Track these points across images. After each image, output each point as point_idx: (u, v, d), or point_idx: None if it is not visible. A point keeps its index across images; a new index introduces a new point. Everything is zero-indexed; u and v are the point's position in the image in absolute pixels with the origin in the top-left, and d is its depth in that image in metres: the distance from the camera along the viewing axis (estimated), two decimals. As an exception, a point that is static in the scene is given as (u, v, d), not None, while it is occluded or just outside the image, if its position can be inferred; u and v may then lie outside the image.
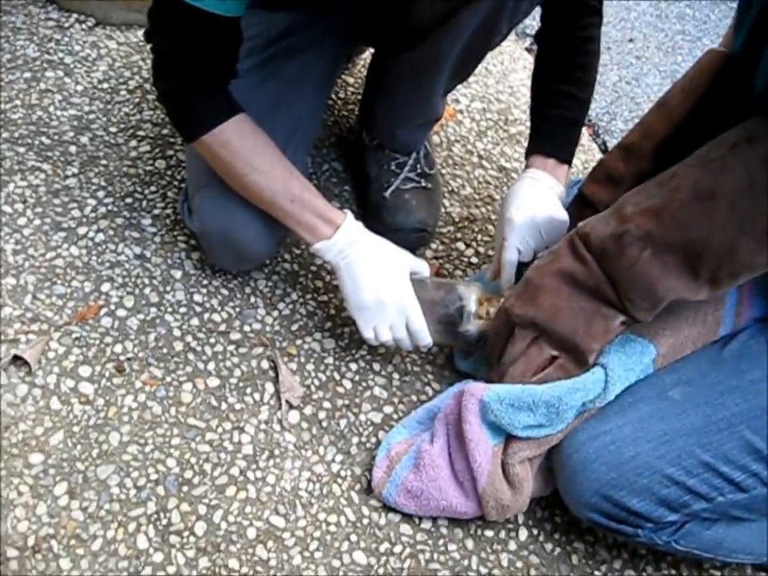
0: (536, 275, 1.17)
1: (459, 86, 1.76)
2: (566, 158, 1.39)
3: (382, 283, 1.23)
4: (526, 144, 1.43)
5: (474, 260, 1.59)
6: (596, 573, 1.23)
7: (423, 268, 1.29)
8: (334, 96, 1.81)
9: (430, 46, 1.31)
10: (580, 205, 1.35)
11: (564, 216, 1.32)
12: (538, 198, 1.32)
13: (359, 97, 1.76)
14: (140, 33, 1.83)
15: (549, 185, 1.35)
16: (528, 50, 2.18)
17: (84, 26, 1.83)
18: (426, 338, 1.26)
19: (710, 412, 1.11)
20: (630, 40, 2.35)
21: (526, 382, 1.17)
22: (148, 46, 1.21)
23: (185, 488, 1.18)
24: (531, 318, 1.15)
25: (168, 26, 1.15)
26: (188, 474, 1.20)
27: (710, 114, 1.27)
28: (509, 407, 1.14)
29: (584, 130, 1.98)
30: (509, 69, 2.07)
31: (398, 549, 1.19)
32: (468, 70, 1.45)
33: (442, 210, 1.64)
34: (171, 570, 1.10)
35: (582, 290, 1.11)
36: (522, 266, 1.32)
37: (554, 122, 1.39)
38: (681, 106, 1.31)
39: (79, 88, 1.69)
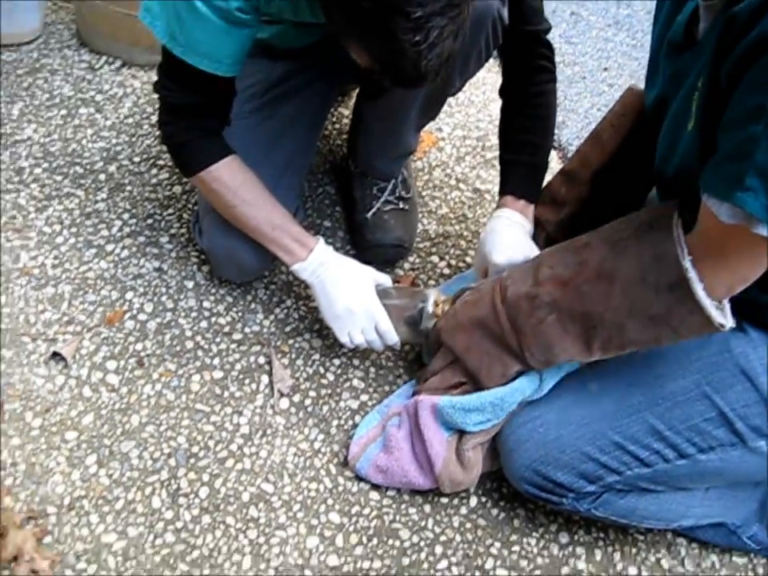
0: (461, 311, 1.42)
1: (442, 115, 2.00)
2: (534, 199, 1.59)
3: (351, 295, 1.46)
4: (499, 167, 1.65)
5: (447, 271, 1.82)
6: (534, 534, 1.47)
7: (385, 279, 1.52)
8: (329, 126, 2.06)
9: (398, 96, 1.55)
10: None
11: (536, 253, 1.50)
12: (515, 240, 1.51)
13: (351, 128, 2.00)
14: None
15: (521, 224, 1.54)
16: (510, 80, 2.41)
17: (112, 66, 2.09)
18: (393, 338, 1.49)
19: (620, 400, 1.32)
20: (605, 69, 2.57)
21: (436, 395, 1.41)
22: (156, 96, 1.45)
23: (192, 460, 1.44)
24: (450, 346, 1.41)
25: (173, 80, 1.40)
26: (195, 449, 1.45)
27: (637, 149, 1.49)
28: (461, 410, 1.37)
29: (554, 154, 2.21)
30: (489, 98, 2.30)
31: (366, 511, 1.43)
32: (432, 113, 1.70)
33: (420, 227, 1.88)
34: (179, 524, 1.36)
35: (489, 336, 1.35)
36: None
37: (522, 167, 1.60)
38: (612, 139, 1.53)
39: (108, 123, 1.95)
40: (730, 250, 1.09)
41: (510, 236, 1.52)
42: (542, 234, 1.58)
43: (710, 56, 1.04)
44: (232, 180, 1.44)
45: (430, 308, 1.48)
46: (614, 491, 1.36)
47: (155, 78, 1.50)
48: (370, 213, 1.77)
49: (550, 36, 1.58)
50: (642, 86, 1.52)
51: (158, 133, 1.93)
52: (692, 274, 1.12)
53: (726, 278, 1.12)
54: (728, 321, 1.16)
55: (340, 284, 1.46)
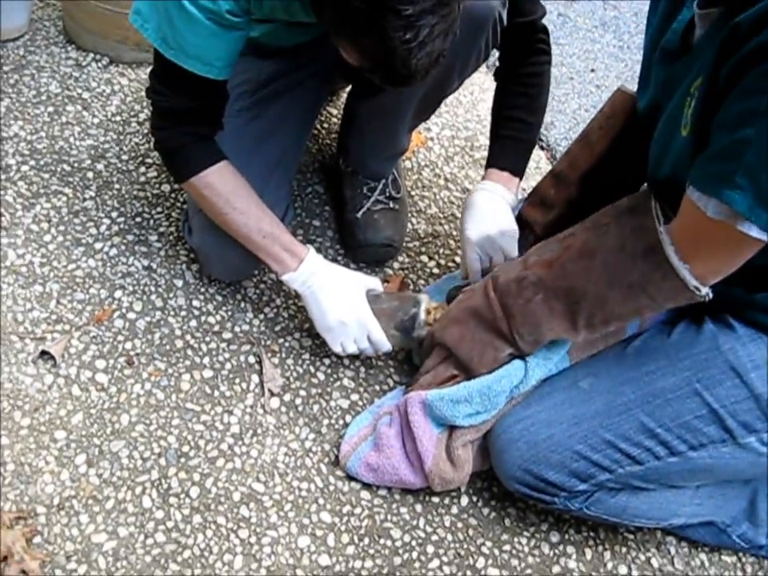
0: (455, 307, 1.44)
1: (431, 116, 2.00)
2: (518, 171, 1.61)
3: (342, 307, 1.46)
4: (490, 141, 1.65)
5: (436, 271, 1.83)
6: (525, 533, 1.47)
7: (376, 283, 1.52)
8: (318, 126, 2.05)
9: (393, 95, 1.55)
10: (519, 224, 1.59)
11: (514, 227, 1.55)
12: (492, 214, 1.54)
13: (340, 127, 1.99)
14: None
15: (501, 195, 1.56)
16: (497, 81, 2.42)
17: (100, 64, 2.08)
18: (385, 346, 1.50)
19: (611, 399, 1.33)
20: (592, 70, 2.58)
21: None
22: (148, 101, 1.44)
23: (182, 459, 1.43)
24: (444, 341, 1.42)
25: (165, 85, 1.39)
26: (185, 448, 1.44)
27: (626, 152, 1.50)
28: (449, 402, 1.38)
29: (543, 154, 2.22)
30: (478, 99, 2.31)
31: (357, 510, 1.43)
32: (427, 113, 1.70)
33: (409, 227, 1.88)
34: (170, 524, 1.35)
35: (483, 323, 1.37)
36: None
37: (508, 141, 1.62)
38: (601, 142, 1.54)
39: (96, 120, 1.94)
40: (706, 243, 1.13)
41: (486, 209, 1.55)
42: (531, 236, 1.59)
43: (710, 60, 1.06)
44: (223, 187, 1.43)
45: (422, 316, 1.48)
46: (606, 490, 1.37)
47: (143, 75, 1.49)
48: (360, 212, 1.76)
49: None
50: (630, 86, 1.53)
51: (146, 131, 1.93)
52: (664, 237, 1.16)
53: (698, 269, 1.15)
54: (703, 287, 1.17)
55: (331, 295, 1.46)
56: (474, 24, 1.38)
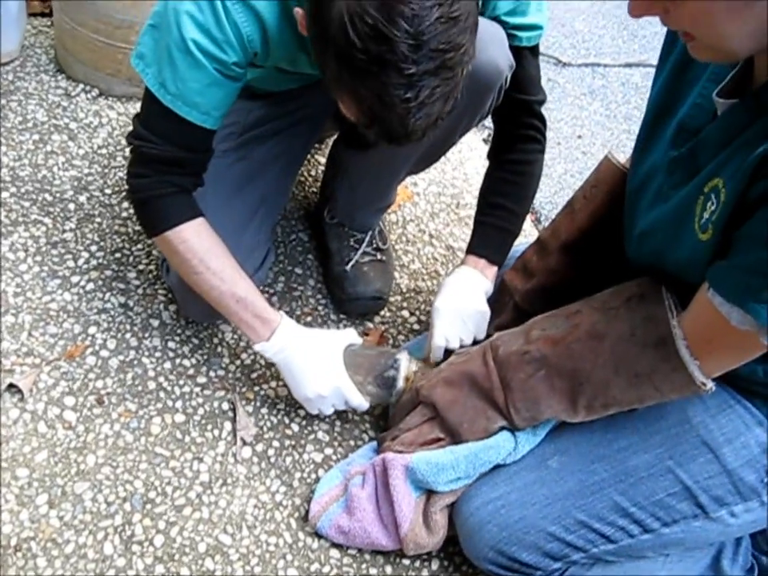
0: (448, 369, 1.41)
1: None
2: (496, 260, 1.59)
3: (318, 379, 1.42)
4: (473, 226, 1.64)
5: (416, 327, 1.80)
6: (495, 602, 1.43)
7: (354, 338, 1.49)
8: (305, 173, 2.04)
9: (392, 151, 1.53)
10: (500, 289, 1.58)
11: (485, 309, 1.53)
12: (465, 293, 1.53)
13: (328, 175, 1.97)
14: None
15: (476, 281, 1.55)
16: (485, 140, 2.43)
17: (89, 95, 2.05)
18: (363, 408, 1.47)
19: (583, 478, 1.31)
20: (579, 136, 2.60)
21: (409, 451, 1.39)
22: (128, 147, 1.40)
23: (148, 506, 1.38)
24: (434, 401, 1.38)
25: (153, 131, 1.34)
26: (152, 494, 1.39)
27: (608, 223, 1.47)
28: (434, 468, 1.34)
29: (528, 217, 2.22)
30: (465, 157, 2.31)
31: (326, 569, 1.38)
32: (422, 168, 1.69)
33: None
34: (131, 573, 1.30)
35: (477, 391, 1.34)
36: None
37: (489, 229, 1.60)
38: (583, 212, 1.50)
39: (81, 152, 1.91)
40: (720, 345, 1.13)
41: (461, 288, 1.53)
42: (511, 302, 1.57)
43: (738, 176, 1.02)
44: (199, 244, 1.38)
45: (401, 381, 1.46)
46: (580, 564, 1.34)
47: (132, 110, 1.44)
48: (349, 265, 1.74)
49: None
50: (617, 154, 1.51)
51: (131, 166, 1.89)
52: (677, 331, 1.15)
53: (707, 366, 1.16)
54: (708, 381, 1.17)
55: (305, 368, 1.42)
56: (481, 87, 1.38)
